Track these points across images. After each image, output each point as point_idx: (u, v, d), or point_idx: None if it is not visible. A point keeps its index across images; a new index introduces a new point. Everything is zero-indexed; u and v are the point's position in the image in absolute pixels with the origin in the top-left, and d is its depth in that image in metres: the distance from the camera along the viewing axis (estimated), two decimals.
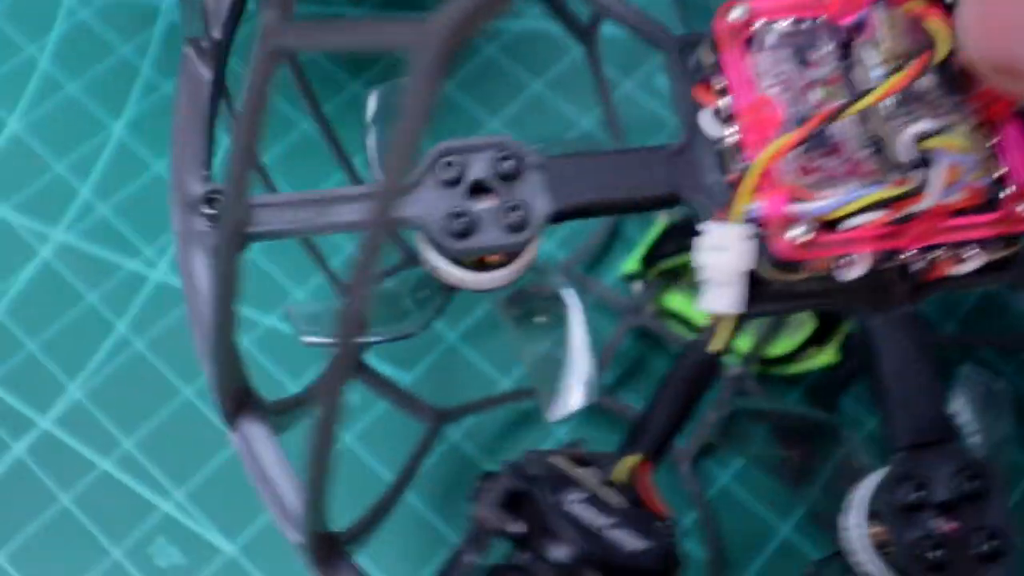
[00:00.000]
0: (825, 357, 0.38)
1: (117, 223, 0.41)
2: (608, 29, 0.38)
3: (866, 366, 0.26)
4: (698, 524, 0.36)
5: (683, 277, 0.39)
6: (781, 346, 0.38)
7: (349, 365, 0.19)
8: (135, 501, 0.36)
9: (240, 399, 0.24)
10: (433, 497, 0.36)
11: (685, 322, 0.39)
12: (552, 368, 0.29)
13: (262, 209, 0.23)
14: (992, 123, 0.25)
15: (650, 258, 0.39)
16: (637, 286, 0.40)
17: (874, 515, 0.24)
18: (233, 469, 0.37)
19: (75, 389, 0.38)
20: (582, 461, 0.25)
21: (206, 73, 0.25)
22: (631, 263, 0.39)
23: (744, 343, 0.37)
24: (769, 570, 0.36)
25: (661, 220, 0.40)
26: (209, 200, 0.24)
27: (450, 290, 0.27)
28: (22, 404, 0.38)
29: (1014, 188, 0.24)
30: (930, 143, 0.22)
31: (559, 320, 0.28)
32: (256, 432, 0.24)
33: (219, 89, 0.25)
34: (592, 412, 0.35)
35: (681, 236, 0.39)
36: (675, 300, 0.39)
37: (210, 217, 0.24)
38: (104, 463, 0.37)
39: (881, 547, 0.24)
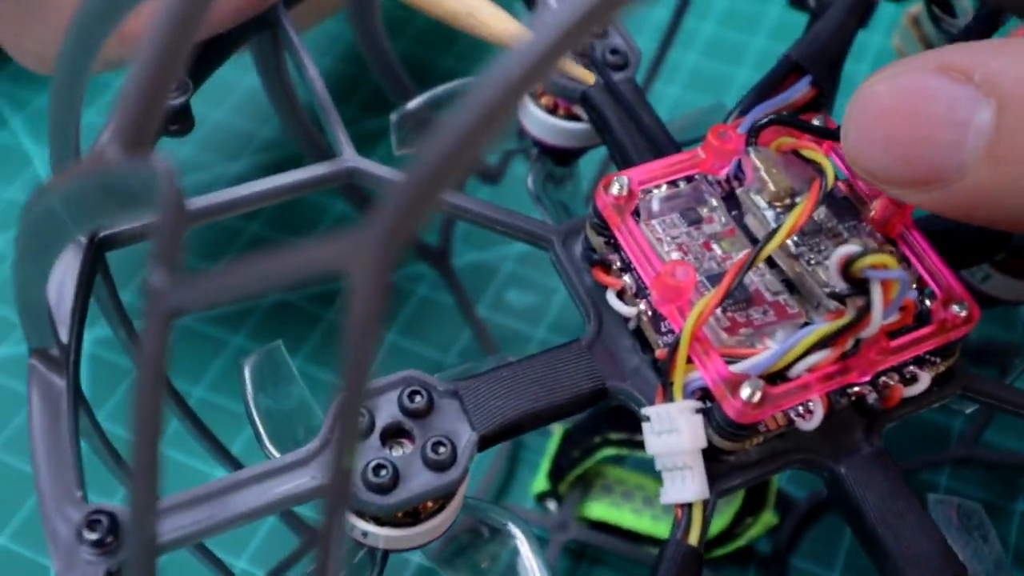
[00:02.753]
0: (764, 522, 0.36)
1: None
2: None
3: (847, 520, 0.24)
4: None
5: (596, 482, 0.37)
6: (716, 525, 0.36)
7: None
8: None
9: None
10: None
11: (614, 529, 0.36)
12: None
13: (165, 516, 0.20)
14: (894, 237, 0.24)
15: (556, 471, 0.37)
16: (551, 503, 0.37)
17: None
18: None
19: None
20: None
21: (59, 382, 0.22)
22: (539, 482, 0.37)
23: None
24: None
25: (557, 430, 0.38)
26: (91, 524, 0.20)
27: (384, 556, 0.24)
28: None
29: (938, 293, 0.23)
30: (860, 264, 0.21)
31: (506, 558, 0.25)
32: None
33: (78, 397, 0.22)
34: None
35: (583, 439, 0.37)
36: (596, 510, 0.37)
37: (96, 544, 0.20)
38: None
39: None
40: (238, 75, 0.46)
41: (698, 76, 0.48)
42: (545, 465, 0.37)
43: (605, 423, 0.36)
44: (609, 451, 0.35)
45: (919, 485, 0.36)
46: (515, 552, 0.25)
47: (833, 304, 0.22)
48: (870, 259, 0.21)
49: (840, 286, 0.21)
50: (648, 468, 0.33)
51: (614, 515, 0.36)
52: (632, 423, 0.30)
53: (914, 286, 0.24)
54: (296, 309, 0.40)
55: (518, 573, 0.25)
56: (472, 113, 0.11)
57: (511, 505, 0.37)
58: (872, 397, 0.23)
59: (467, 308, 0.39)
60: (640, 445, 0.34)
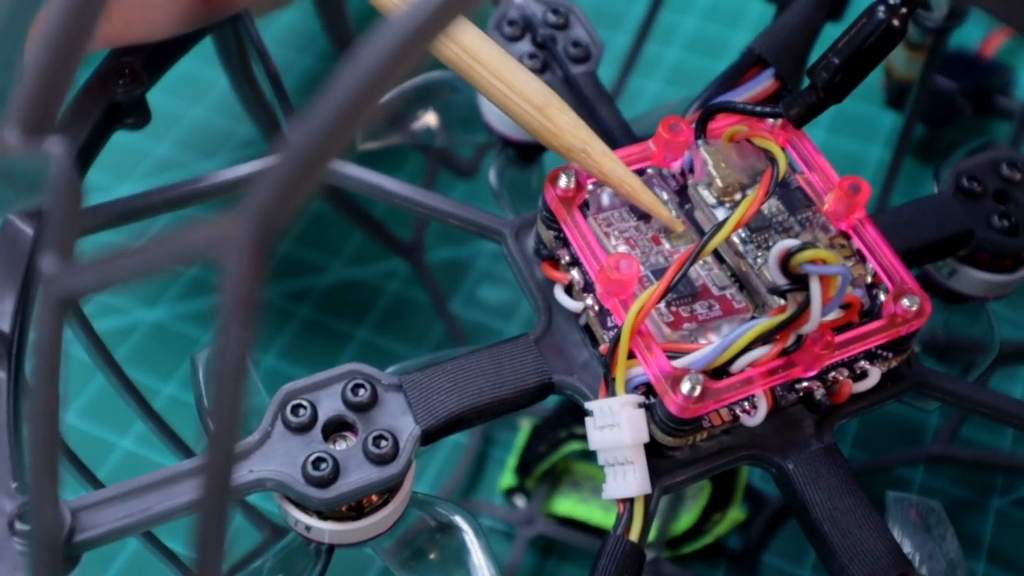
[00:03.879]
0: (731, 519, 0.36)
1: None
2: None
3: (796, 516, 0.23)
4: None
5: (564, 478, 0.37)
6: (684, 521, 0.36)
7: None
8: None
9: None
10: None
11: (582, 525, 0.36)
12: None
13: (86, 512, 0.20)
14: (847, 231, 0.24)
15: (523, 466, 0.37)
16: (519, 499, 0.37)
17: None
18: None
19: None
20: None
21: (0, 373, 0.22)
22: (506, 478, 0.37)
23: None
24: None
25: (524, 426, 0.38)
26: (24, 516, 0.20)
27: (329, 551, 0.23)
28: None
29: (890, 287, 0.23)
30: (798, 259, 0.20)
31: (455, 552, 0.25)
32: None
33: (18, 387, 0.22)
34: None
35: (549, 434, 0.36)
36: (563, 505, 0.37)
37: (27, 535, 0.20)
38: None
39: None
40: (215, 73, 0.46)
41: (679, 71, 0.48)
42: (512, 461, 0.37)
43: (572, 418, 0.35)
44: (575, 445, 0.35)
45: (894, 481, 0.36)
46: (463, 546, 0.25)
47: (777, 300, 0.22)
48: (809, 253, 0.20)
49: (781, 281, 0.21)
50: None
51: (582, 511, 0.36)
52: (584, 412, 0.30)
53: (868, 279, 0.23)
54: (268, 306, 0.40)
55: (466, 566, 0.24)
56: (342, 94, 0.11)
57: (478, 501, 0.37)
58: (820, 393, 0.23)
59: (440, 303, 0.39)
60: None
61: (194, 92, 0.46)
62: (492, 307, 0.40)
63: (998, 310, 0.30)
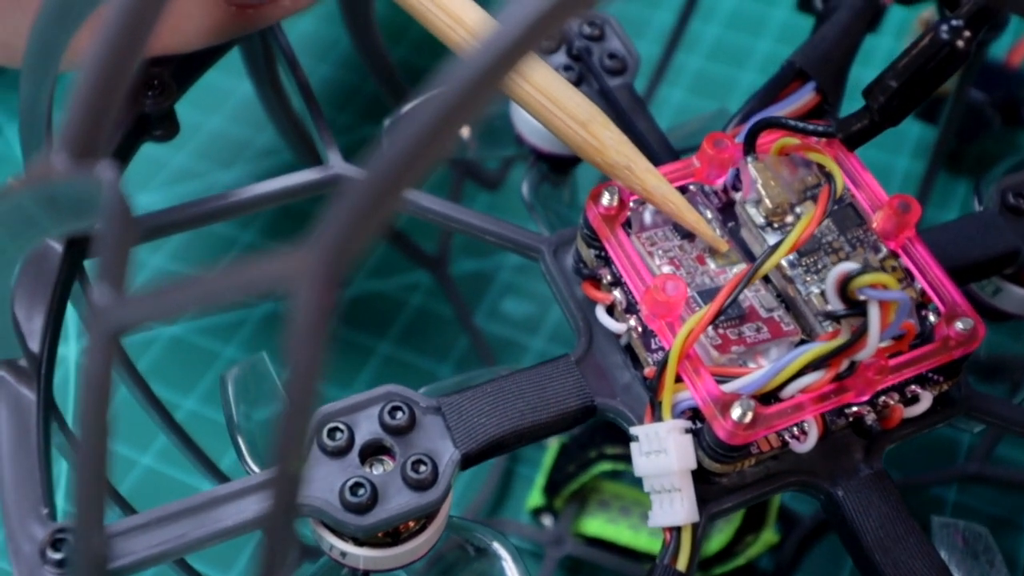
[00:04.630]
0: (764, 541, 0.35)
1: None
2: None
3: (845, 543, 0.23)
4: None
5: (592, 497, 0.36)
6: (716, 542, 0.35)
7: None
8: None
9: None
10: None
11: (610, 546, 0.36)
12: None
13: (121, 538, 0.19)
14: (896, 250, 0.23)
15: (552, 486, 0.36)
16: (547, 519, 0.36)
17: None
18: None
19: None
20: None
21: (29, 394, 0.21)
22: (534, 497, 0.36)
23: None
24: None
25: (552, 445, 0.37)
26: (55, 543, 0.20)
27: (365, 574, 0.23)
28: None
29: (941, 308, 0.22)
30: (857, 283, 0.20)
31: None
32: None
33: (49, 410, 0.22)
34: None
35: (579, 453, 0.36)
36: (592, 525, 0.36)
37: (59, 564, 0.20)
38: None
39: None
40: (233, 82, 0.45)
41: (702, 80, 0.48)
42: (540, 480, 0.36)
43: (601, 437, 0.35)
44: (605, 466, 0.34)
45: (927, 500, 0.35)
46: (501, 572, 0.24)
47: (829, 324, 0.21)
48: (869, 278, 0.20)
49: (837, 306, 0.20)
50: None
51: (611, 531, 0.35)
52: (629, 437, 0.30)
53: (918, 300, 0.23)
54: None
55: None
56: (422, 126, 0.11)
57: (506, 520, 0.36)
58: (871, 418, 0.22)
59: (465, 317, 0.38)
60: None
61: (212, 102, 0.45)
62: (516, 321, 0.40)
63: None
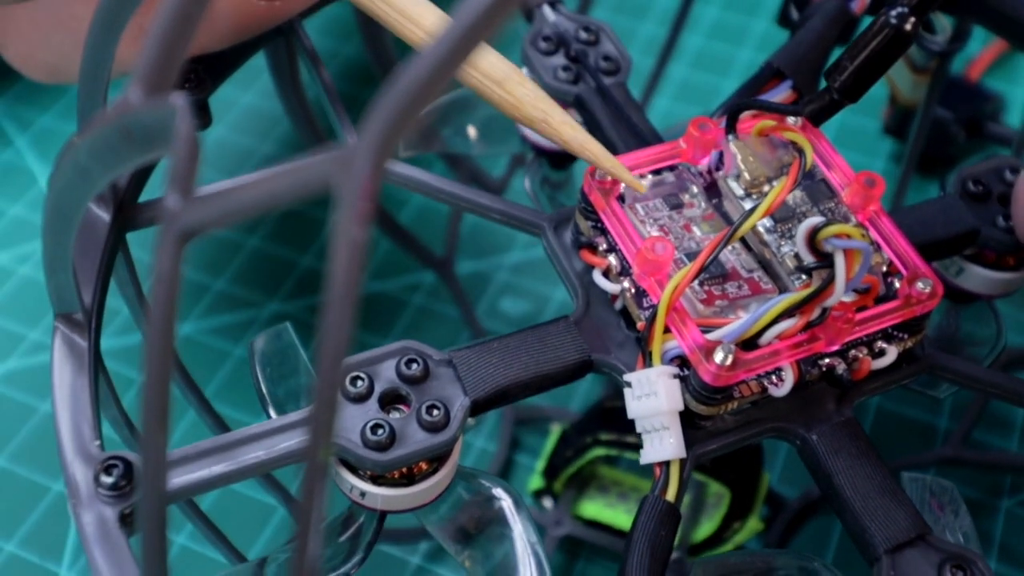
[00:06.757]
0: (750, 528, 0.37)
1: None
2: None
3: (819, 485, 0.25)
4: None
5: (591, 483, 0.38)
6: (704, 529, 0.37)
7: None
8: None
9: None
10: None
11: (607, 528, 0.38)
12: None
13: (178, 464, 0.22)
14: (864, 222, 0.26)
15: (551, 470, 0.38)
16: (547, 501, 0.38)
17: None
18: None
19: None
20: None
21: (82, 342, 0.24)
22: (535, 480, 0.38)
23: None
24: None
25: (554, 430, 0.39)
26: (107, 469, 0.22)
27: (381, 519, 0.25)
28: None
29: (905, 272, 0.25)
30: (824, 234, 0.22)
31: (497, 521, 0.26)
32: None
33: (98, 359, 0.24)
34: None
35: (576, 439, 0.38)
36: (590, 508, 0.38)
37: (111, 487, 0.22)
38: None
39: None
40: (238, 92, 0.48)
41: (686, 88, 0.50)
42: (541, 464, 0.38)
43: (597, 424, 0.37)
44: (599, 451, 0.36)
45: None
46: (503, 515, 0.26)
47: (801, 282, 0.24)
48: (834, 228, 0.22)
49: (807, 258, 0.23)
50: (644, 470, 0.34)
51: (608, 515, 0.38)
52: (622, 425, 0.32)
53: (884, 268, 0.25)
54: (296, 320, 0.42)
55: (509, 535, 0.26)
56: (454, 33, 0.13)
57: None
58: (842, 368, 0.24)
59: (469, 316, 0.40)
60: (630, 446, 0.36)
61: (215, 112, 0.47)
62: (514, 319, 0.42)
63: (1007, 313, 0.32)
